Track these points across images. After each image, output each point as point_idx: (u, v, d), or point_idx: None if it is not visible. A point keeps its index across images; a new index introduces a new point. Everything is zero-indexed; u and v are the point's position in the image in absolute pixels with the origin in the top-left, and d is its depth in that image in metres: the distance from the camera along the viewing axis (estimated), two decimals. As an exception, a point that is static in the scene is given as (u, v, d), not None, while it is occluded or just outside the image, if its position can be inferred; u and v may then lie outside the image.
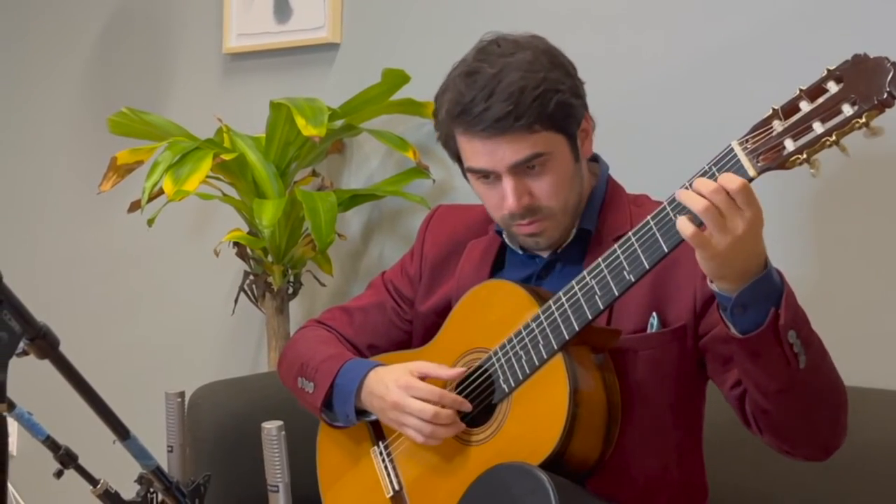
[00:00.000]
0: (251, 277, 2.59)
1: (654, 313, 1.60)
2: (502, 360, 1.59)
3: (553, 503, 1.43)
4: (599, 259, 1.50)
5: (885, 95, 1.23)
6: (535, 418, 1.54)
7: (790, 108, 1.31)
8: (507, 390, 1.58)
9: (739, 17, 2.11)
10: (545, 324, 1.54)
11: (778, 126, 1.31)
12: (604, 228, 1.66)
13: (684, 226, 1.33)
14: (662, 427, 1.62)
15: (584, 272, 1.52)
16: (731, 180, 1.31)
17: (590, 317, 1.50)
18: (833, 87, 1.28)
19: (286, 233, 2.52)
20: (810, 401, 1.45)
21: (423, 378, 1.64)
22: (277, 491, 1.30)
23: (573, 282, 1.53)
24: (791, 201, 2.01)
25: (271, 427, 1.30)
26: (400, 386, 1.64)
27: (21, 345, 1.10)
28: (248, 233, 2.53)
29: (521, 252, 1.72)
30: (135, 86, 3.12)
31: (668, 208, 1.41)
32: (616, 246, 1.48)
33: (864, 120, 1.25)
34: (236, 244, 2.59)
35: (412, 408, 1.61)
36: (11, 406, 1.16)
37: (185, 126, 2.57)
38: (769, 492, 1.88)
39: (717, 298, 1.42)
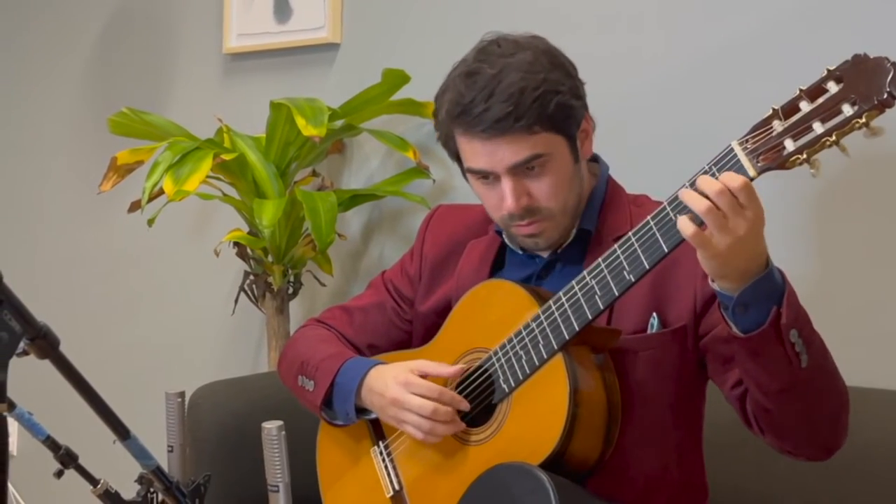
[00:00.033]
0: (251, 277, 2.59)
1: (655, 314, 1.60)
2: (502, 360, 1.59)
3: (553, 503, 1.43)
4: (599, 259, 1.50)
5: (885, 95, 1.23)
6: (535, 418, 1.54)
7: (790, 108, 1.31)
8: (507, 390, 1.58)
9: (739, 17, 2.11)
10: (545, 324, 1.54)
11: (778, 126, 1.31)
12: (604, 228, 1.66)
13: (685, 225, 1.33)
14: (662, 427, 1.62)
15: (584, 272, 1.52)
16: (732, 179, 1.31)
17: (590, 317, 1.50)
18: (833, 88, 1.28)
19: (286, 233, 2.52)
20: (812, 400, 1.44)
21: (423, 376, 1.64)
22: (277, 491, 1.30)
23: (573, 282, 1.53)
24: (792, 201, 2.01)
25: (271, 427, 1.30)
26: (399, 382, 1.64)
27: (21, 345, 1.10)
28: (249, 233, 2.53)
29: (520, 252, 1.72)
30: (135, 86, 3.12)
31: (668, 208, 1.41)
32: (616, 246, 1.48)
33: (864, 120, 1.25)
34: (236, 244, 2.59)
35: (411, 404, 1.61)
36: (12, 406, 1.16)
37: (186, 126, 2.57)
38: (769, 492, 1.88)
39: (719, 297, 1.42)
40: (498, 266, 1.75)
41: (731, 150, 1.34)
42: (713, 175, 1.34)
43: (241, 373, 2.72)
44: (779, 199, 1.92)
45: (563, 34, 1.71)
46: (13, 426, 1.17)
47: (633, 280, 1.46)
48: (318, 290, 2.71)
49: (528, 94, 1.54)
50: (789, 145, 1.29)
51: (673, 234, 1.40)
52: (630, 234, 1.46)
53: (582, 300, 1.51)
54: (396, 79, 2.44)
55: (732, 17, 2.12)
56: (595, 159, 1.74)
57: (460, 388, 1.65)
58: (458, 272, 1.78)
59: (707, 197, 1.31)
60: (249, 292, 2.61)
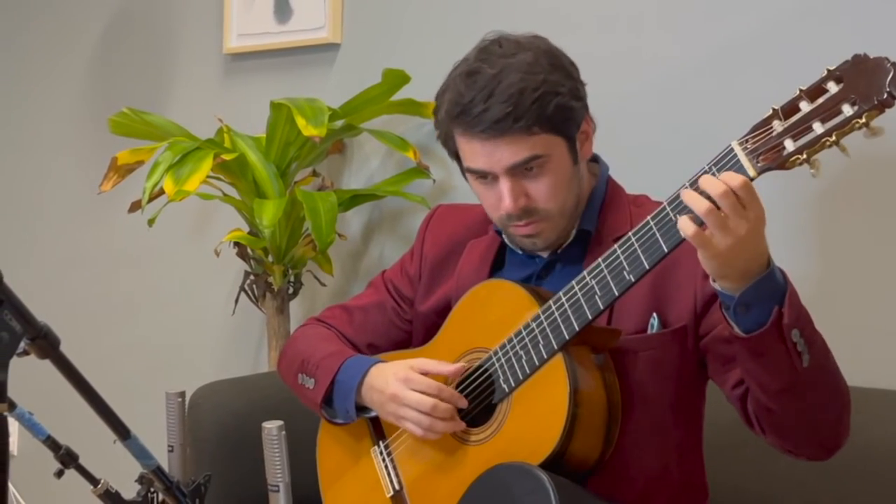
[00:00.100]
0: (252, 277, 2.59)
1: (655, 314, 1.60)
2: (502, 360, 1.59)
3: (553, 503, 1.43)
4: (599, 259, 1.50)
5: (885, 96, 1.23)
6: (536, 418, 1.54)
7: (790, 109, 1.31)
8: (507, 390, 1.58)
9: (739, 18, 2.11)
10: (545, 324, 1.54)
11: (778, 126, 1.31)
12: (604, 229, 1.66)
13: (685, 225, 1.33)
14: (662, 427, 1.62)
15: (584, 272, 1.52)
16: (733, 179, 1.31)
17: (590, 317, 1.50)
18: (833, 88, 1.28)
19: (286, 233, 2.52)
20: (813, 400, 1.44)
21: (424, 374, 1.64)
22: (278, 491, 1.31)
23: (573, 282, 1.53)
24: (794, 201, 2.01)
25: (272, 427, 1.30)
26: (399, 378, 1.64)
27: (22, 345, 1.10)
28: (249, 233, 2.53)
29: (520, 252, 1.72)
30: (135, 86, 3.12)
31: (668, 208, 1.41)
32: (616, 246, 1.48)
33: (864, 120, 1.25)
34: (237, 244, 2.59)
35: (410, 400, 1.62)
36: (12, 406, 1.16)
37: (186, 126, 2.57)
38: (769, 492, 1.87)
39: (720, 297, 1.41)
40: (498, 266, 1.75)
41: (731, 150, 1.34)
42: (713, 175, 1.33)
43: (242, 373, 2.72)
44: (780, 199, 1.92)
45: (564, 34, 1.71)
46: (14, 426, 1.17)
47: (633, 280, 1.46)
48: (319, 290, 2.71)
49: (528, 95, 1.54)
50: (789, 145, 1.29)
51: (673, 234, 1.40)
52: (630, 234, 1.46)
53: (582, 300, 1.51)
54: (396, 79, 2.44)
55: (732, 17, 2.12)
56: (595, 159, 1.74)
57: (460, 387, 1.65)
58: (458, 272, 1.78)
59: (708, 197, 1.31)
60: (250, 292, 2.61)
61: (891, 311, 1.96)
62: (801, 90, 1.30)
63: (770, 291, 1.37)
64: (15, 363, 1.08)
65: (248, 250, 2.57)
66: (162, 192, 2.28)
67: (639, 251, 1.45)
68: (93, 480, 1.28)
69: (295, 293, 2.60)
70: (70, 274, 3.29)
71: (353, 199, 2.56)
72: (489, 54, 1.60)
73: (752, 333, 1.37)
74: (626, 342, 1.58)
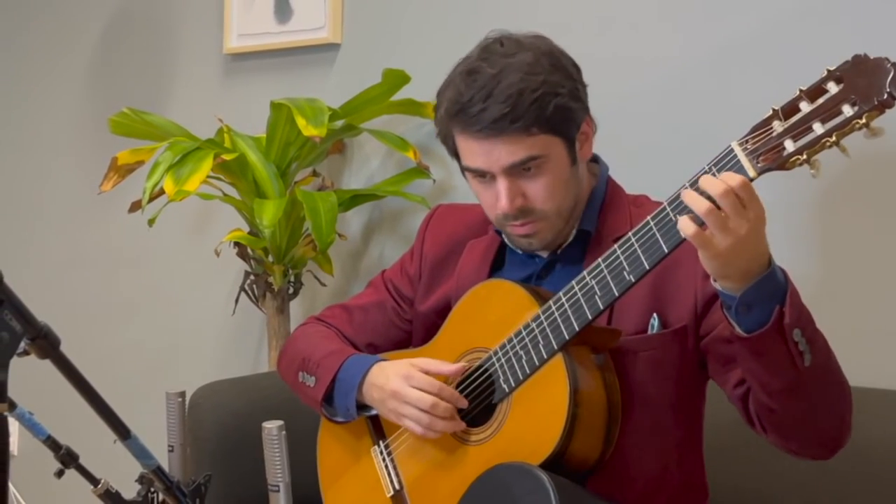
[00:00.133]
0: (252, 277, 2.60)
1: (655, 314, 1.60)
2: (502, 360, 1.59)
3: (553, 503, 1.43)
4: (599, 259, 1.50)
5: (886, 96, 1.23)
6: (536, 418, 1.54)
7: (790, 109, 1.31)
8: (507, 390, 1.58)
9: (739, 18, 2.11)
10: (545, 324, 1.54)
11: (778, 126, 1.31)
12: (604, 229, 1.66)
13: (685, 225, 1.33)
14: (662, 427, 1.62)
15: (584, 272, 1.52)
16: (732, 178, 1.31)
17: (590, 317, 1.50)
18: (833, 88, 1.28)
19: (287, 233, 2.52)
20: (815, 399, 1.44)
21: (425, 373, 1.64)
22: (278, 490, 1.31)
23: (573, 282, 1.53)
24: (794, 201, 2.01)
25: (272, 427, 1.30)
26: (400, 375, 1.64)
27: (22, 345, 1.10)
28: (249, 233, 2.53)
29: (520, 252, 1.72)
30: (135, 86, 3.12)
31: (668, 209, 1.41)
32: (616, 246, 1.48)
33: (864, 120, 1.25)
34: (237, 244, 2.59)
35: (411, 397, 1.62)
36: (12, 406, 1.16)
37: (186, 126, 2.57)
38: (769, 492, 1.88)
39: (721, 297, 1.41)
40: (498, 266, 1.75)
41: (731, 150, 1.34)
42: (713, 176, 1.33)
43: (242, 372, 2.72)
44: (781, 199, 1.92)
45: (564, 35, 1.71)
46: (14, 426, 1.17)
47: (633, 280, 1.46)
48: (319, 290, 2.71)
49: (527, 95, 1.54)
50: (789, 146, 1.29)
51: (673, 234, 1.40)
52: (630, 234, 1.46)
53: (582, 300, 1.51)
54: (397, 79, 2.44)
55: (732, 17, 2.12)
56: (595, 160, 1.74)
57: (461, 387, 1.65)
58: (458, 272, 1.78)
59: (708, 197, 1.31)
60: (250, 292, 2.61)
61: (891, 311, 1.96)
62: (801, 90, 1.30)
63: (771, 291, 1.37)
64: (15, 363, 1.08)
65: (249, 250, 2.57)
66: (162, 192, 2.28)
67: (639, 251, 1.45)
68: (93, 480, 1.28)
69: (295, 293, 2.60)
70: (70, 274, 3.29)
71: (354, 199, 2.56)
72: (490, 53, 1.60)
73: (753, 333, 1.37)
74: (626, 342, 1.58)
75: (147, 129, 2.55)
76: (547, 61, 1.58)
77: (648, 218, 1.44)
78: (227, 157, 2.38)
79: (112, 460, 1.51)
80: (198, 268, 2.94)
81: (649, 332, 1.60)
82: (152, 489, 1.31)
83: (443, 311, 1.76)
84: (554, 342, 1.53)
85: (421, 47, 2.55)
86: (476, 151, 1.60)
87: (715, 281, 1.40)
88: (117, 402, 1.28)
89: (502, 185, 1.59)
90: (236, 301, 2.62)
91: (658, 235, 1.42)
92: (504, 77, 1.55)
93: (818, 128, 1.28)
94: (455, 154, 1.68)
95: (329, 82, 2.71)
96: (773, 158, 1.31)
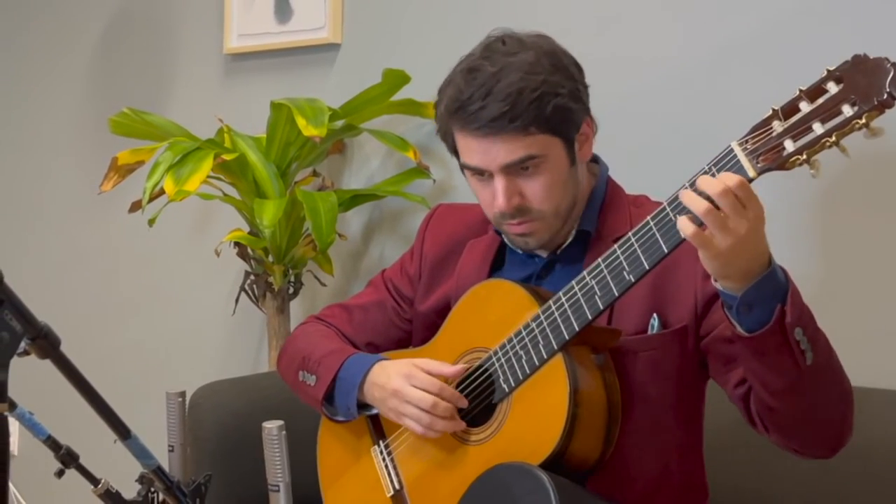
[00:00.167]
0: (252, 277, 2.60)
1: (655, 314, 1.60)
2: (502, 360, 1.59)
3: (553, 503, 1.43)
4: (599, 259, 1.50)
5: (885, 96, 1.23)
6: (536, 418, 1.54)
7: (790, 109, 1.31)
8: (507, 390, 1.58)
9: (739, 18, 2.11)
10: (545, 324, 1.54)
11: (778, 126, 1.31)
12: (603, 229, 1.66)
13: (685, 225, 1.33)
14: (662, 427, 1.62)
15: (584, 272, 1.52)
16: (730, 178, 1.31)
17: (589, 317, 1.50)
18: (833, 88, 1.28)
19: (287, 233, 2.52)
20: (817, 398, 1.44)
21: (426, 373, 1.64)
22: (278, 490, 1.31)
23: (573, 282, 1.53)
24: (795, 201, 2.01)
25: (272, 427, 1.30)
26: (401, 374, 1.64)
27: (22, 344, 1.11)
28: (249, 233, 2.53)
29: (520, 252, 1.72)
30: (136, 86, 3.12)
31: (668, 209, 1.41)
32: (616, 246, 1.48)
33: (864, 120, 1.25)
34: (237, 244, 2.59)
35: (412, 396, 1.62)
36: (13, 406, 1.16)
37: (186, 126, 2.57)
38: (769, 492, 1.88)
39: (722, 297, 1.41)
40: (498, 265, 1.75)
41: (731, 150, 1.34)
42: (713, 176, 1.33)
43: (242, 372, 2.73)
44: (782, 199, 1.92)
45: (563, 35, 1.71)
46: (14, 426, 1.17)
47: (632, 280, 1.46)
48: (319, 290, 2.71)
49: (526, 95, 1.54)
50: (789, 146, 1.29)
51: (673, 234, 1.40)
52: (630, 234, 1.46)
53: (582, 300, 1.51)
54: (397, 79, 2.44)
55: (732, 17, 2.12)
56: (595, 160, 1.74)
57: (461, 387, 1.65)
58: (458, 272, 1.78)
59: (707, 197, 1.31)
60: (250, 292, 2.61)
61: (891, 311, 1.96)
62: (800, 90, 1.30)
63: (772, 290, 1.37)
64: (15, 363, 1.08)
65: (249, 250, 2.57)
66: (162, 192, 2.28)
67: (638, 251, 1.45)
68: (93, 480, 1.28)
69: (295, 293, 2.61)
70: (70, 274, 3.29)
71: (354, 199, 2.56)
72: (492, 52, 1.60)
73: (755, 333, 1.37)
74: (626, 342, 1.58)
75: (147, 130, 2.55)
76: (548, 61, 1.58)
77: (648, 218, 1.44)
78: (227, 157, 2.38)
79: (112, 460, 1.51)
80: (198, 268, 2.94)
81: (649, 332, 1.60)
82: (152, 489, 1.31)
83: (443, 311, 1.76)
84: (554, 342, 1.53)
85: (421, 47, 2.55)
86: (474, 149, 1.60)
87: (716, 281, 1.40)
88: (117, 402, 1.28)
89: (499, 183, 1.59)
90: (236, 301, 2.62)
91: (658, 235, 1.42)
92: (504, 76, 1.55)
93: (818, 128, 1.28)
94: (454, 151, 1.68)
95: (329, 82, 2.71)
96: (772, 158, 1.31)
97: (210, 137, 2.50)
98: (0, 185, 3.48)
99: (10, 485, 1.07)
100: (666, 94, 2.20)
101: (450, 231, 1.85)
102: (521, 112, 1.54)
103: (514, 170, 1.59)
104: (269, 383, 2.26)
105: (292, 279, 2.59)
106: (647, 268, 1.45)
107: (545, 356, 1.54)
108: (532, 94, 1.54)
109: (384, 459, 1.75)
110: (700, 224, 1.33)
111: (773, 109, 1.31)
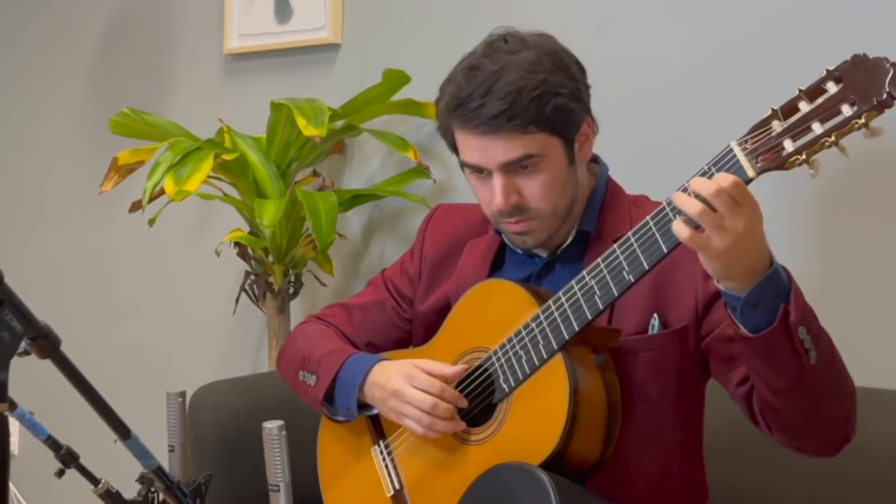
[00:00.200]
0: (252, 277, 2.60)
1: (656, 315, 1.60)
2: (502, 360, 1.59)
3: (553, 503, 1.43)
4: (599, 259, 1.50)
5: (885, 96, 1.23)
6: (536, 418, 1.54)
7: (789, 109, 1.31)
8: (507, 390, 1.58)
9: (739, 18, 2.11)
10: (545, 324, 1.54)
11: (777, 126, 1.31)
12: (603, 229, 1.66)
13: (680, 229, 1.33)
14: (663, 427, 1.62)
15: (584, 272, 1.52)
16: (723, 177, 1.31)
17: (589, 317, 1.50)
18: (832, 88, 1.28)
19: (287, 233, 2.52)
20: (820, 397, 1.44)
21: (427, 374, 1.64)
22: (278, 490, 1.31)
23: (573, 282, 1.53)
24: (795, 201, 2.01)
25: (272, 427, 1.30)
26: (402, 375, 1.64)
27: (22, 344, 1.11)
28: (249, 233, 2.53)
29: (520, 252, 1.72)
30: (136, 86, 3.12)
31: (668, 209, 1.41)
32: (616, 246, 1.48)
33: (863, 120, 1.25)
34: (237, 244, 2.59)
35: (412, 397, 1.62)
36: (13, 406, 1.16)
37: (186, 126, 2.57)
38: (769, 492, 1.87)
39: (725, 298, 1.41)
40: (498, 265, 1.75)
41: (731, 150, 1.34)
42: (711, 176, 1.33)
43: (242, 372, 2.73)
44: (782, 199, 1.92)
45: (563, 35, 1.71)
46: (14, 426, 1.17)
47: (632, 280, 1.46)
48: (319, 290, 2.71)
49: (526, 93, 1.54)
50: (788, 146, 1.29)
51: (672, 234, 1.40)
52: (629, 234, 1.46)
53: (581, 300, 1.51)
54: (397, 79, 2.44)
55: (732, 17, 2.12)
56: (595, 160, 1.74)
57: (461, 387, 1.65)
58: (458, 271, 1.78)
59: (701, 199, 1.31)
60: (250, 292, 2.61)
61: (891, 311, 1.96)
62: (800, 90, 1.30)
63: (775, 290, 1.37)
64: (15, 363, 1.08)
65: (249, 250, 2.57)
66: (162, 192, 2.28)
67: (638, 251, 1.45)
68: (93, 480, 1.28)
69: (295, 293, 2.61)
70: (70, 274, 3.29)
71: (354, 199, 2.56)
72: (494, 50, 1.60)
73: (759, 333, 1.37)
74: (626, 343, 1.58)
75: (147, 130, 2.55)
76: (549, 61, 1.59)
77: (648, 218, 1.44)
78: (227, 157, 2.38)
79: (112, 460, 1.51)
80: (198, 268, 2.94)
81: (650, 332, 1.60)
82: (153, 489, 1.31)
83: (443, 311, 1.76)
84: (554, 342, 1.53)
85: (421, 47, 2.55)
86: (473, 147, 1.60)
87: (718, 282, 1.40)
88: (117, 402, 1.28)
89: (498, 181, 1.59)
90: (236, 301, 2.62)
91: (657, 235, 1.42)
92: (504, 74, 1.55)
93: (817, 128, 1.28)
94: (454, 149, 1.68)
95: (329, 82, 2.71)
96: (772, 158, 1.30)
97: (210, 137, 2.50)
98: (0, 185, 3.48)
99: (11, 485, 1.07)
100: (666, 94, 2.20)
101: (450, 231, 1.85)
102: (520, 111, 1.54)
103: (513, 168, 1.59)
104: (269, 383, 2.26)
105: (292, 279, 2.59)
106: (647, 268, 1.44)
107: (545, 356, 1.54)
108: (532, 93, 1.54)
109: (384, 459, 1.75)
110: (696, 226, 1.33)
111: (773, 109, 1.31)
